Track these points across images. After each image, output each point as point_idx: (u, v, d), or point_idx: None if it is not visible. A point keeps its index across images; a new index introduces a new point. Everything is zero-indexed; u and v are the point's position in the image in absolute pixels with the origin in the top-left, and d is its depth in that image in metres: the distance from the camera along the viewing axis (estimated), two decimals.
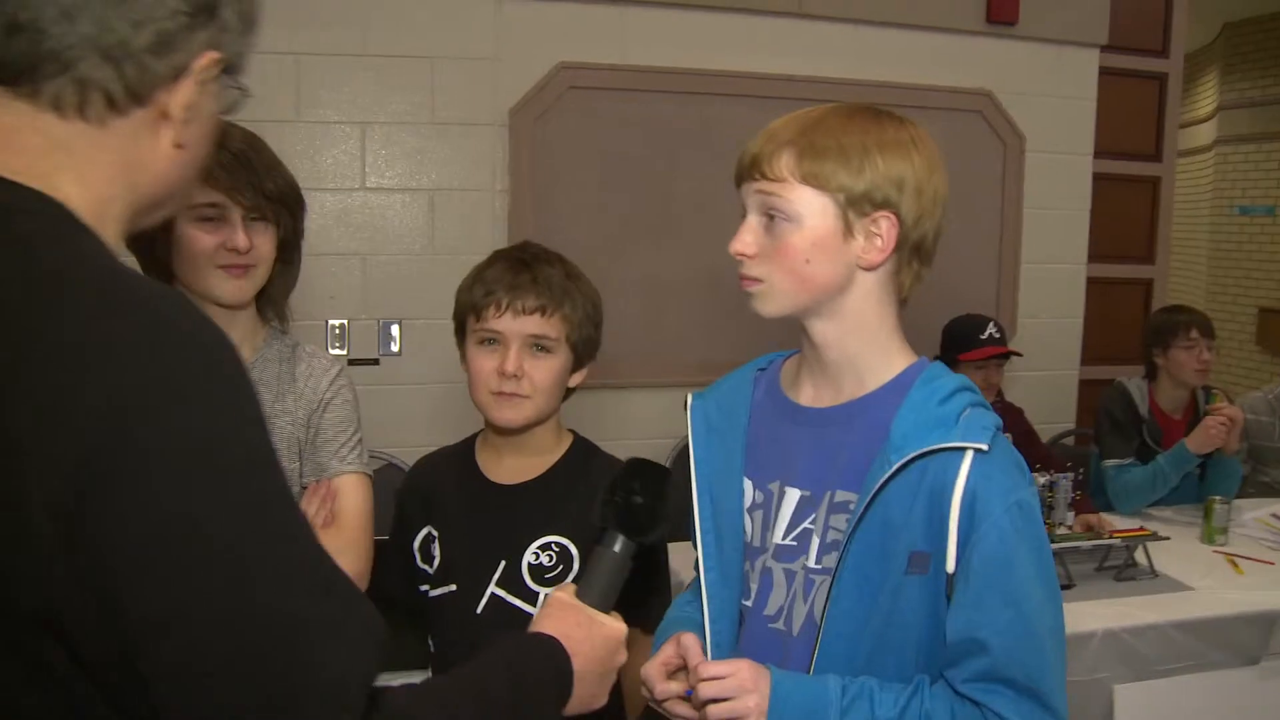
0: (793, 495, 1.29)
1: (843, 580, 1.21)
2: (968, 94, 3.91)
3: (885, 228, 1.21)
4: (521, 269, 1.66)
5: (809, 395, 1.32)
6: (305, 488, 1.68)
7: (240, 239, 1.60)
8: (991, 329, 3.31)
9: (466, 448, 1.77)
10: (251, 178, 1.61)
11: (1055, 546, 2.67)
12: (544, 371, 1.65)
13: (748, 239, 1.24)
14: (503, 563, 1.65)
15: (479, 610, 1.65)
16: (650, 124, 3.60)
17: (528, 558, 1.64)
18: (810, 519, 1.27)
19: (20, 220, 0.78)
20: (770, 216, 1.22)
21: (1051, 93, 4.06)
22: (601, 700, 1.14)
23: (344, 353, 3.46)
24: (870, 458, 1.21)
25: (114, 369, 0.71)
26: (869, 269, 1.23)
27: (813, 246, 1.21)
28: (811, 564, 1.26)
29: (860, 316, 1.26)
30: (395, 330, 3.50)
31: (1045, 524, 2.63)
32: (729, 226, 1.28)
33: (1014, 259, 4.06)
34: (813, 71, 3.72)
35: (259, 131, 1.68)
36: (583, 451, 1.73)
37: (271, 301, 1.73)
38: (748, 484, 1.34)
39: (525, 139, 3.47)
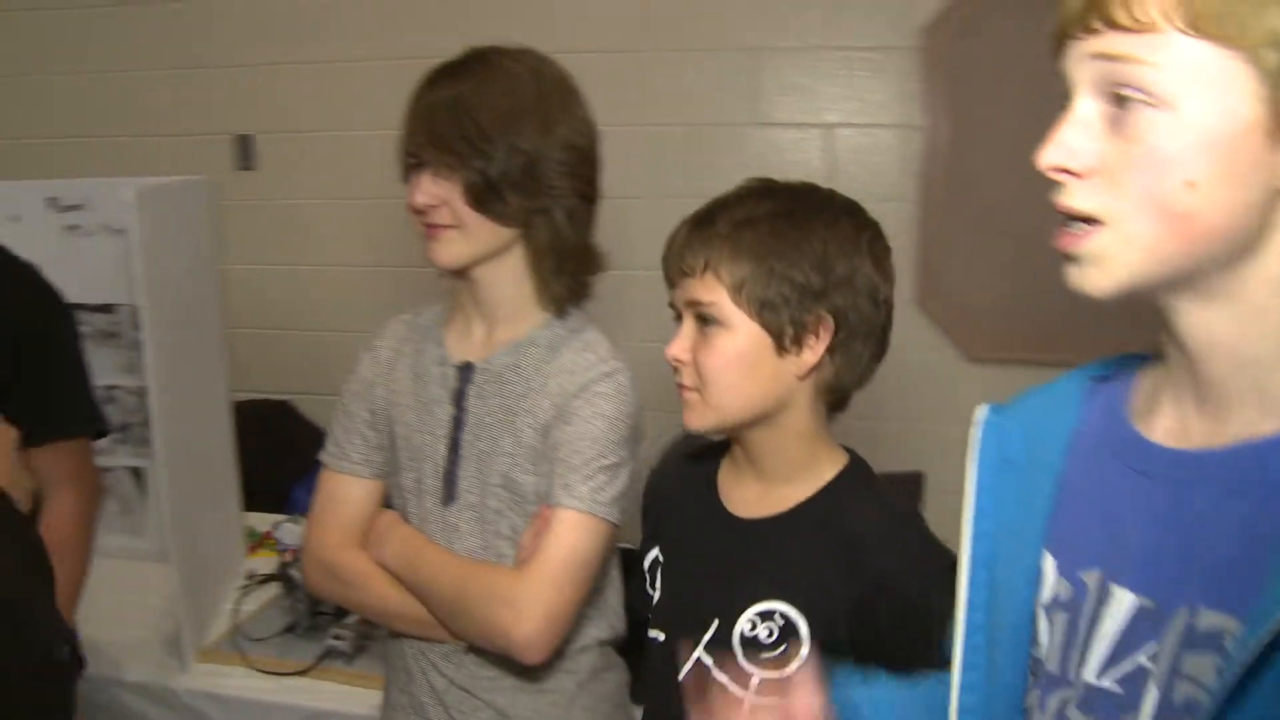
0: (1122, 601, 0.75)
1: None
2: None
3: None
4: (694, 219, 1.25)
5: (1168, 427, 0.77)
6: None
7: (417, 195, 1.37)
8: None
9: (716, 454, 1.37)
10: (431, 120, 1.36)
11: None
12: (710, 353, 1.21)
13: (1075, 141, 0.71)
14: (716, 621, 1.25)
15: (681, 675, 1.26)
16: None
17: (742, 624, 1.22)
18: (1149, 651, 0.72)
19: None
20: (1120, 100, 0.68)
21: None
22: None
23: None
24: (1271, 550, 0.66)
25: None
26: None
27: (1204, 154, 0.66)
28: None
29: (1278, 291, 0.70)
30: None
31: None
32: None
33: None
34: None
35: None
36: (855, 484, 1.26)
37: (534, 271, 1.43)
38: (1049, 563, 0.82)
39: (942, 64, 2.91)
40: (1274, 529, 0.66)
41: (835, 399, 1.28)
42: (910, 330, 3.02)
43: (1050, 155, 0.71)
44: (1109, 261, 0.70)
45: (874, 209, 1.29)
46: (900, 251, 3.25)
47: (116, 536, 2.33)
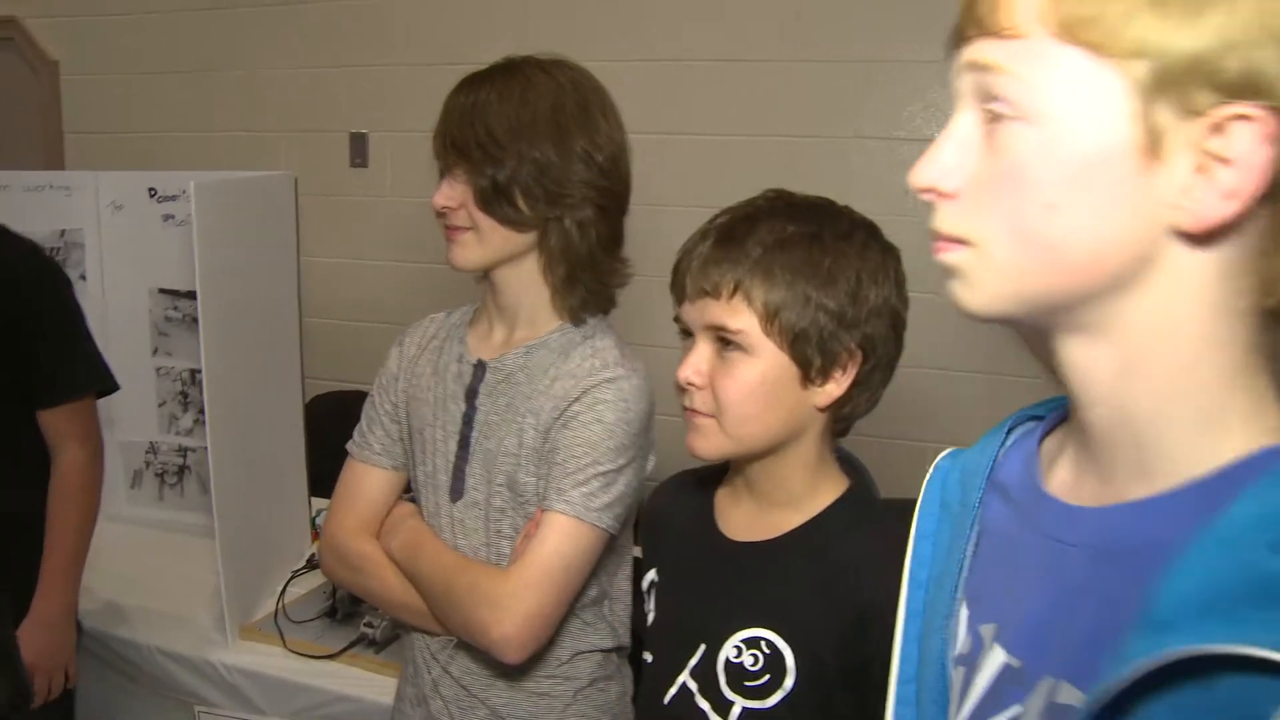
0: (996, 658, 0.70)
1: None
2: None
3: (1245, 143, 0.57)
4: (714, 231, 1.18)
5: (1063, 478, 0.71)
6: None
7: (437, 196, 1.41)
8: None
9: (717, 475, 1.34)
10: (448, 124, 1.38)
11: None
12: (730, 380, 1.14)
13: (945, 158, 0.65)
14: (702, 647, 1.20)
15: (666, 700, 1.23)
16: None
17: (728, 650, 1.18)
18: (1013, 713, 0.67)
19: None
20: (993, 114, 0.62)
21: None
22: None
23: None
24: (1124, 628, 0.59)
25: None
26: (1199, 235, 0.59)
27: (1069, 174, 0.60)
28: None
29: (1166, 338, 0.62)
30: None
31: None
32: None
33: None
34: None
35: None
36: (851, 510, 1.20)
37: (547, 278, 1.44)
38: (963, 614, 0.76)
39: None
40: (1130, 604, 0.58)
41: (844, 427, 1.24)
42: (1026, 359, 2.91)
43: (920, 174, 0.65)
44: (974, 282, 0.65)
45: None
46: None
47: (195, 514, 2.43)
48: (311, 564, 2.15)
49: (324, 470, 2.29)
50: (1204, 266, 0.60)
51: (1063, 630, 0.65)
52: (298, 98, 3.55)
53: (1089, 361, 0.64)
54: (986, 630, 0.73)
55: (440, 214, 1.41)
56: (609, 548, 1.41)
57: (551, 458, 1.37)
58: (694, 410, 1.17)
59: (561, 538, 1.33)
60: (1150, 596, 0.57)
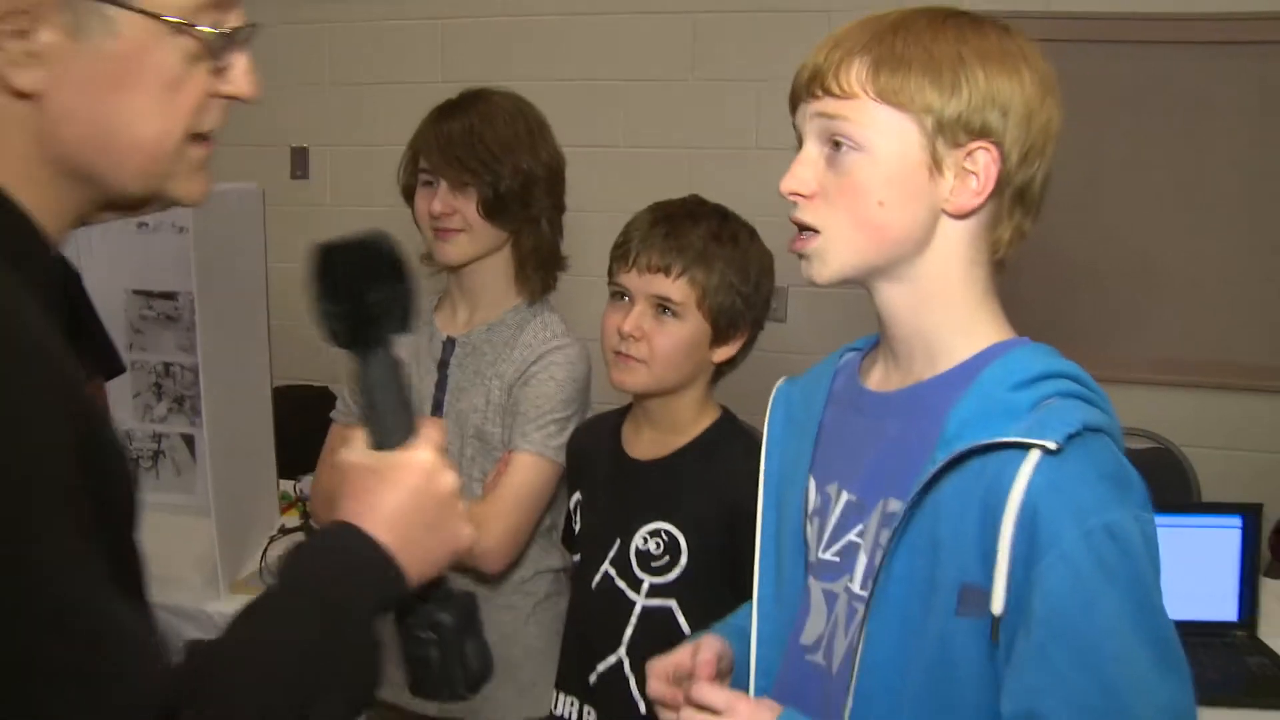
0: (841, 499, 1.10)
1: (879, 614, 0.99)
2: None
3: (983, 163, 0.99)
4: (661, 223, 1.56)
5: (877, 378, 1.12)
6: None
7: (435, 204, 1.72)
8: None
9: (621, 415, 1.71)
10: (449, 145, 1.70)
11: None
12: (665, 337, 1.54)
13: (804, 174, 1.02)
14: (618, 540, 1.60)
15: (593, 586, 1.61)
16: (1075, 82, 3.13)
17: (636, 541, 1.58)
18: (857, 530, 1.06)
19: None
20: (835, 145, 1.00)
21: None
22: (457, 539, 0.93)
23: None
24: (927, 452, 0.98)
25: None
26: (959, 216, 1.01)
27: (888, 184, 0.99)
28: (856, 588, 1.05)
29: (941, 280, 1.03)
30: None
31: None
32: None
33: None
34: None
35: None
36: (723, 432, 1.60)
37: (520, 267, 1.78)
38: (811, 484, 1.15)
39: None
40: (925, 440, 0.98)
41: (719, 375, 1.63)
42: None
43: (787, 183, 1.03)
44: (826, 258, 1.03)
45: None
46: None
47: (171, 494, 2.69)
48: (284, 531, 2.43)
49: (282, 454, 2.58)
50: (962, 235, 1.01)
51: (887, 469, 1.03)
52: (241, 114, 3.77)
53: (897, 299, 1.04)
54: (832, 488, 1.11)
55: (434, 218, 1.73)
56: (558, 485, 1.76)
57: (515, 409, 1.71)
58: (628, 355, 1.56)
59: (527, 470, 1.68)
60: (942, 430, 0.96)
